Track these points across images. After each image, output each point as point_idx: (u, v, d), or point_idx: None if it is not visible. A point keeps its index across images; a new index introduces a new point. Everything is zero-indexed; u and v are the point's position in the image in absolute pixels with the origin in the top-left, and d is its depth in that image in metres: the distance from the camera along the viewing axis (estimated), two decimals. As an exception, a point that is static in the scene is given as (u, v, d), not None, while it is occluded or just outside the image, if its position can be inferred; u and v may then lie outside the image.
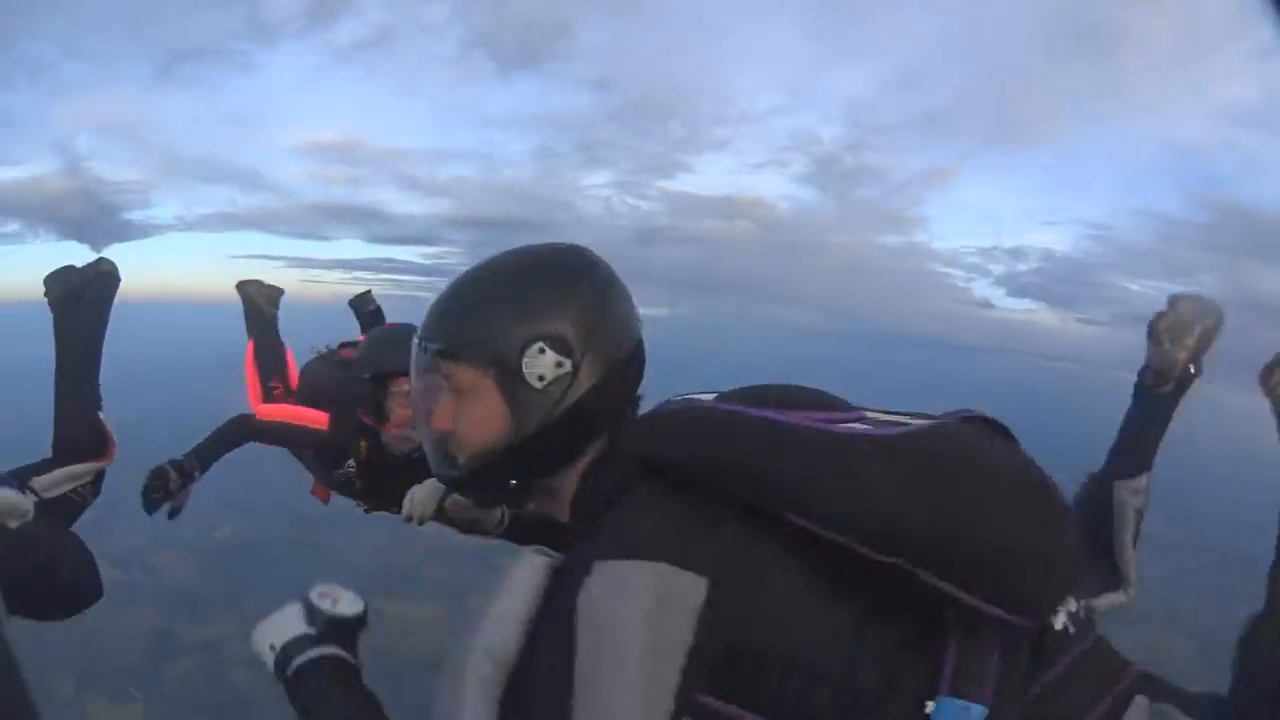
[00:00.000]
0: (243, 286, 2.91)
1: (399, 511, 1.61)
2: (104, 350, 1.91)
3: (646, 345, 0.98)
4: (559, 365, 0.90)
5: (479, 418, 0.92)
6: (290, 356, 2.84)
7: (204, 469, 2.18)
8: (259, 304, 2.90)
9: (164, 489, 2.06)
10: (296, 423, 2.35)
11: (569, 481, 0.96)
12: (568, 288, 0.94)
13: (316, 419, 2.33)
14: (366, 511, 2.45)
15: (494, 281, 0.95)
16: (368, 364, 2.18)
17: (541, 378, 0.90)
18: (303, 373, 2.73)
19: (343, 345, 2.71)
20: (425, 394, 0.97)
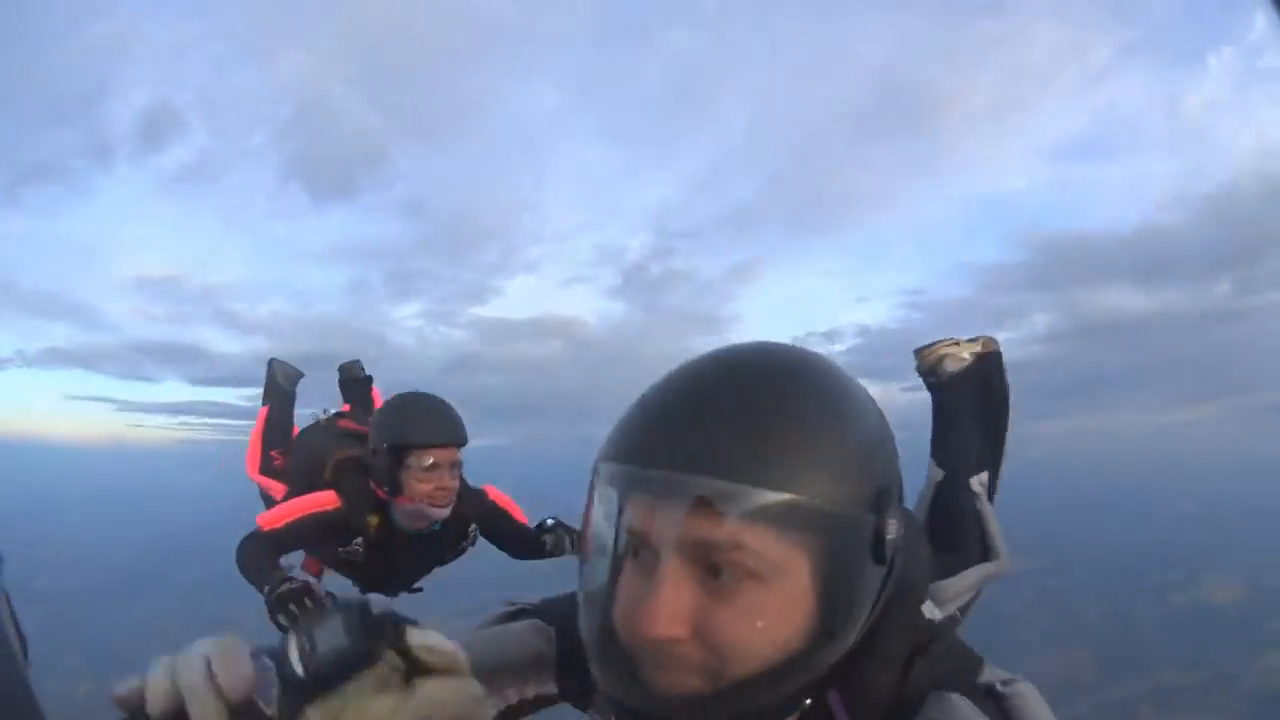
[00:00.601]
0: (271, 364, 3.00)
1: (395, 594, 1.41)
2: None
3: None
4: (899, 529, 0.63)
5: (783, 610, 0.59)
6: (295, 434, 2.78)
7: (263, 588, 1.97)
8: (279, 379, 2.93)
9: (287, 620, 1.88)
10: (309, 514, 2.18)
11: (879, 680, 0.65)
12: (874, 403, 0.68)
13: (323, 501, 2.19)
14: (362, 592, 2.32)
15: (798, 393, 0.63)
16: (387, 434, 2.09)
17: (893, 545, 0.62)
18: (298, 438, 2.67)
19: (338, 415, 2.66)
20: (627, 547, 0.62)
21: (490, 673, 0.79)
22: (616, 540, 0.62)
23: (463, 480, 2.30)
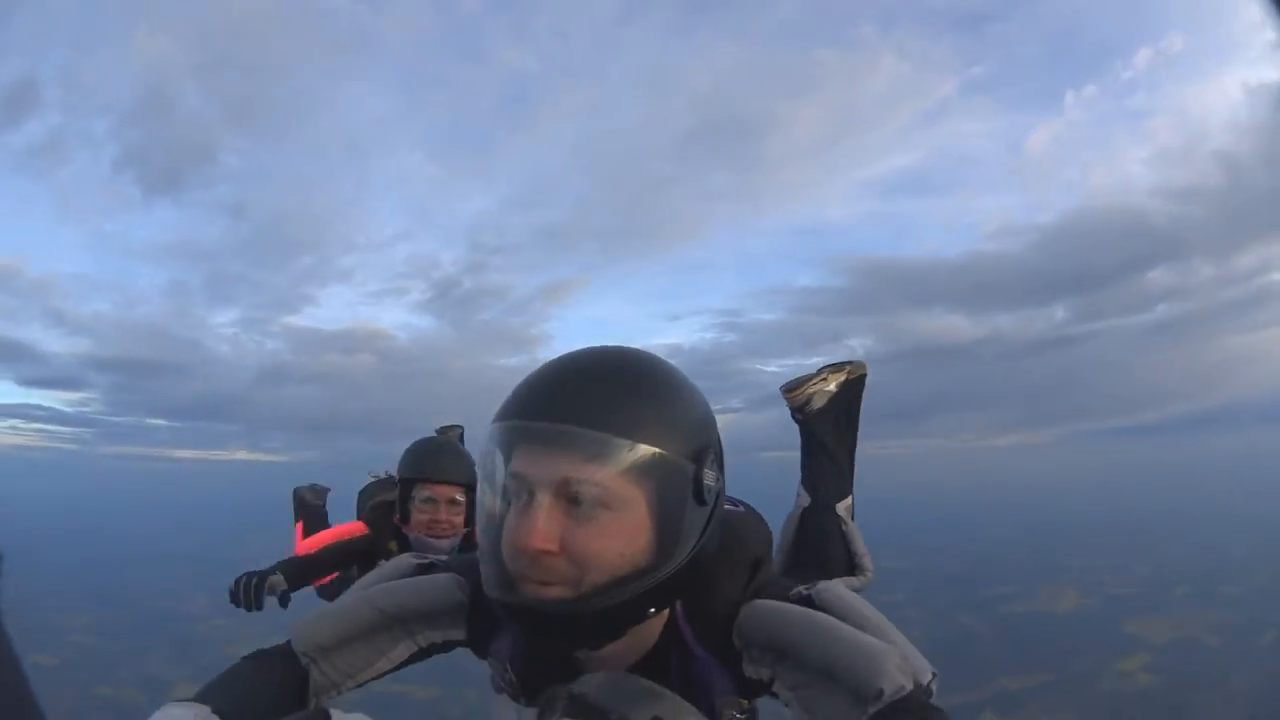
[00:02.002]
0: (295, 493, 3.36)
1: None
2: None
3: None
4: (717, 480, 0.88)
5: (627, 533, 0.81)
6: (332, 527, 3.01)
7: (292, 589, 2.30)
8: (308, 499, 3.33)
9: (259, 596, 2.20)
10: (339, 540, 2.57)
11: (662, 617, 0.93)
12: (701, 393, 0.92)
13: (352, 530, 2.62)
14: None
15: (642, 373, 0.87)
16: (400, 467, 2.46)
17: (709, 490, 0.86)
18: (359, 495, 2.95)
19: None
20: (512, 491, 0.83)
21: (409, 617, 1.05)
22: (505, 483, 0.84)
23: None
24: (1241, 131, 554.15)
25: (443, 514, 2.38)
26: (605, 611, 0.80)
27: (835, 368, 2.00)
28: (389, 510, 2.50)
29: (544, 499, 0.79)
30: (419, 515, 2.37)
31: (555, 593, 0.79)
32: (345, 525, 2.67)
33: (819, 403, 1.96)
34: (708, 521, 0.86)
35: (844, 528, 1.86)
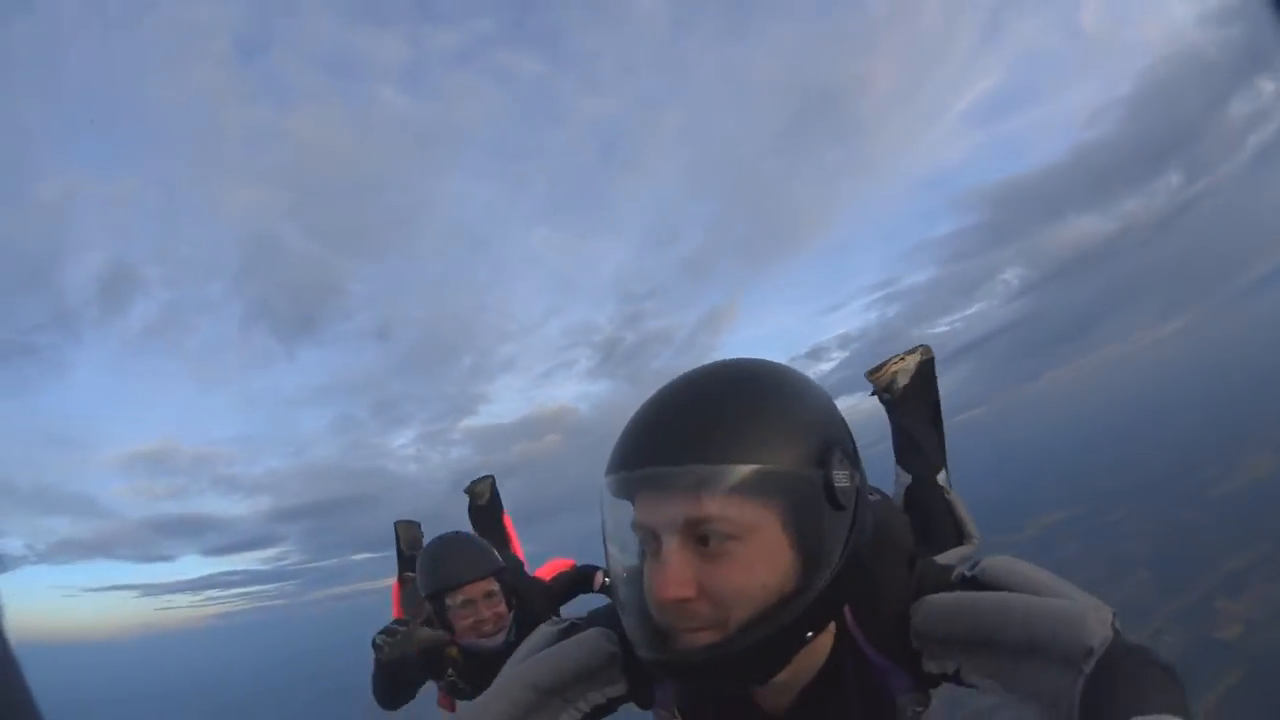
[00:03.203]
0: (395, 527, 3.20)
1: None
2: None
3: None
4: (851, 478, 0.81)
5: (764, 560, 0.76)
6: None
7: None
8: (402, 546, 3.14)
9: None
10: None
11: (829, 631, 0.87)
12: (817, 387, 0.86)
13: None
14: None
15: (740, 388, 0.81)
16: (422, 584, 2.36)
17: (844, 492, 0.79)
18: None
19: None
20: (642, 544, 0.81)
21: (565, 685, 1.00)
22: (629, 538, 0.82)
23: (517, 575, 2.69)
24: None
25: (484, 611, 2.32)
26: (760, 646, 0.75)
27: (909, 351, 2.07)
28: (431, 623, 2.40)
29: (671, 545, 0.76)
30: (461, 622, 2.30)
31: (704, 638, 0.76)
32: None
33: (903, 381, 2.01)
34: (851, 525, 0.79)
35: (948, 496, 1.88)
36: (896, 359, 2.06)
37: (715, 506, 0.75)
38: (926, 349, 2.09)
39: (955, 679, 0.88)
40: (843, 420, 0.86)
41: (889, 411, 2.07)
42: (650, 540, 0.79)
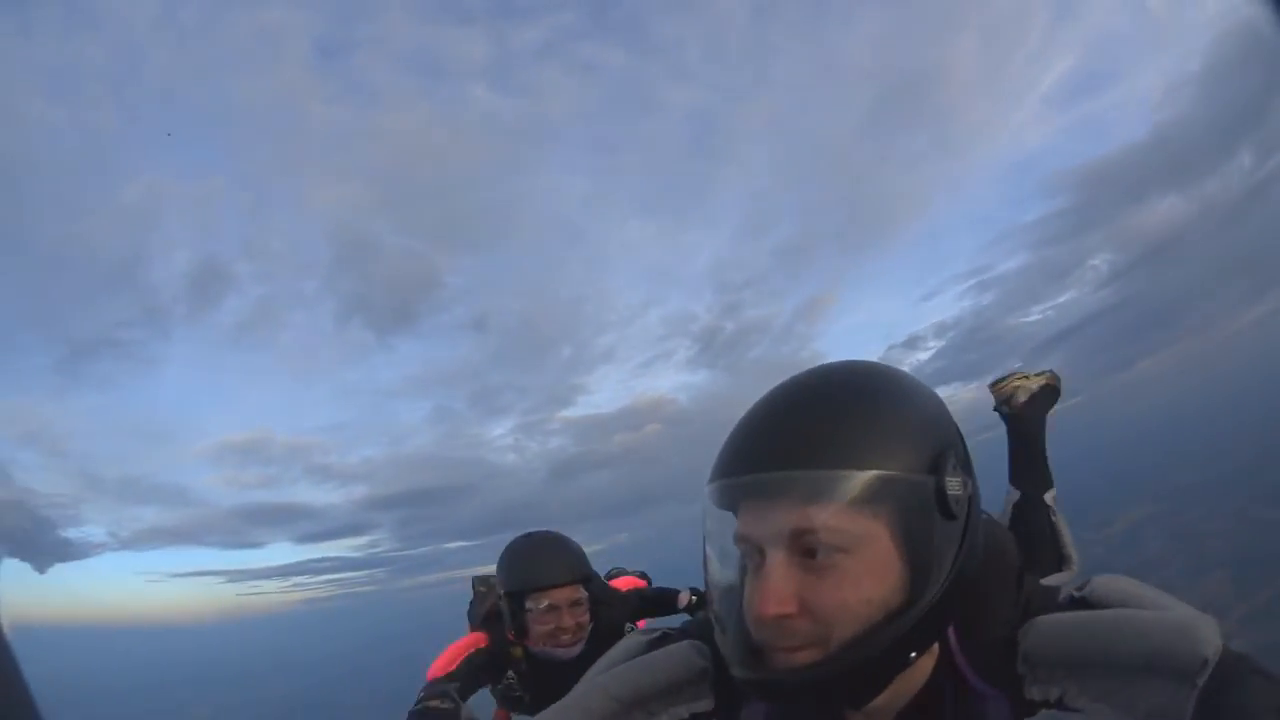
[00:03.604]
0: (474, 584, 2.76)
1: None
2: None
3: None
4: (964, 486, 0.76)
5: (873, 573, 0.71)
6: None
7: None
8: (482, 594, 2.72)
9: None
10: (464, 655, 2.20)
11: (931, 654, 0.82)
12: (929, 390, 0.82)
13: (475, 641, 2.23)
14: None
15: (850, 391, 0.78)
16: (504, 581, 2.17)
17: (957, 500, 0.74)
18: (470, 609, 2.57)
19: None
20: (745, 556, 0.77)
21: (648, 697, 0.95)
22: (731, 549, 0.78)
23: (602, 584, 2.44)
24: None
25: (567, 620, 2.13)
26: (862, 666, 0.71)
27: (1038, 372, 2.06)
28: (499, 619, 2.19)
29: (775, 557, 0.72)
30: (539, 627, 2.11)
31: (804, 657, 0.71)
32: (466, 638, 2.26)
33: (1022, 397, 1.98)
34: (963, 537, 0.74)
35: (1053, 518, 1.84)
36: (1020, 376, 2.05)
37: (825, 516, 0.70)
38: (1054, 376, 2.07)
39: (1059, 705, 0.83)
40: (955, 425, 0.82)
41: (1007, 425, 2.05)
42: (753, 554, 0.75)
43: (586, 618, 2.20)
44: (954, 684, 0.85)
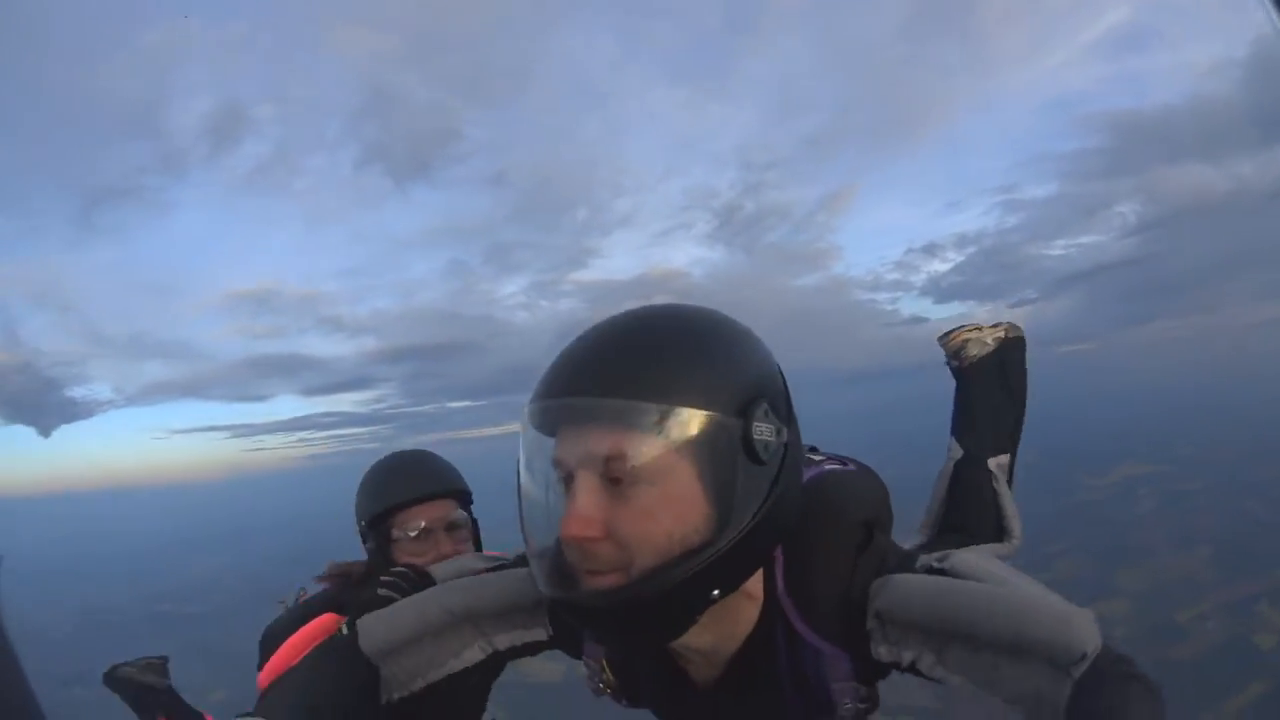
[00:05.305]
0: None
1: None
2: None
3: None
4: (777, 434, 0.78)
5: (674, 507, 0.73)
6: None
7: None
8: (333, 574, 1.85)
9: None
10: (317, 647, 1.37)
11: (755, 587, 0.85)
12: (755, 340, 0.84)
13: (323, 628, 1.52)
14: None
15: (676, 331, 0.80)
16: (363, 507, 1.71)
17: (766, 447, 0.76)
18: (263, 639, 1.70)
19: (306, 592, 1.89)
20: (555, 479, 0.78)
21: (481, 616, 0.99)
22: (547, 472, 0.79)
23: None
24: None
25: (444, 545, 1.67)
26: (661, 598, 0.73)
27: (993, 325, 1.85)
28: (350, 581, 1.66)
29: (585, 482, 0.74)
30: (413, 560, 1.58)
31: (606, 581, 0.74)
32: (308, 627, 1.57)
33: (973, 351, 1.81)
34: (773, 483, 0.76)
35: (994, 484, 1.67)
36: (972, 327, 1.85)
37: (632, 445, 0.73)
38: (1015, 327, 1.84)
39: (911, 670, 0.84)
40: (781, 378, 0.84)
41: (955, 379, 1.86)
42: (564, 476, 0.77)
43: (468, 547, 1.73)
44: (785, 631, 0.88)
